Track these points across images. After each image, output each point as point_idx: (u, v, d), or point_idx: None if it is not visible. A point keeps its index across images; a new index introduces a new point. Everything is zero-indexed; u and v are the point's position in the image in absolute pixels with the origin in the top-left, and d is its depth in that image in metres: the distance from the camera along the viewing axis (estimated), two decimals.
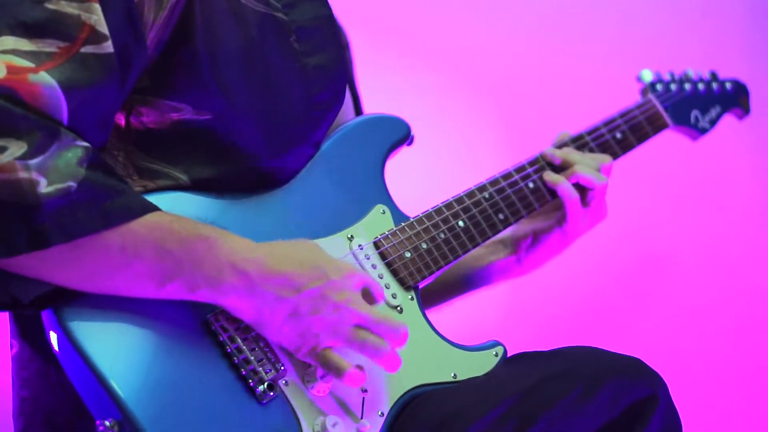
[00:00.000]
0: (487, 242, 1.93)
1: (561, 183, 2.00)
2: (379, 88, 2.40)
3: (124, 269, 1.50)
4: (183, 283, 1.52)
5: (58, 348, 1.53)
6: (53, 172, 1.43)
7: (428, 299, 2.00)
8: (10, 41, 1.46)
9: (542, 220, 2.08)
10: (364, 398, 1.66)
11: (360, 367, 1.60)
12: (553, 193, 2.02)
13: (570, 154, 2.05)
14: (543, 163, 2.04)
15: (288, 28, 1.73)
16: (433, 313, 1.83)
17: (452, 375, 1.76)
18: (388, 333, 1.61)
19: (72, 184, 1.44)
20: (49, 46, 1.48)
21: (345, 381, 1.59)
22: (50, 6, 1.49)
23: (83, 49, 1.50)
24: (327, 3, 1.81)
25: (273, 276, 1.55)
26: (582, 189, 2.03)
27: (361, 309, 1.60)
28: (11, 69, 1.44)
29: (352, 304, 1.59)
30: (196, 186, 1.67)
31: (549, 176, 2.02)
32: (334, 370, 1.59)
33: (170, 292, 1.53)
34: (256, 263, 1.55)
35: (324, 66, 1.75)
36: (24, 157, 1.41)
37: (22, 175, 1.41)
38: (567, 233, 2.05)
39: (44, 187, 1.42)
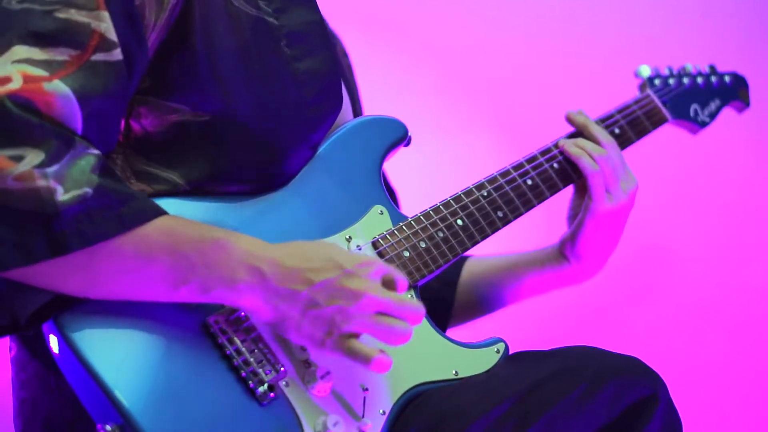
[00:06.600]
0: (530, 263, 1.95)
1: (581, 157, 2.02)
2: (376, 88, 2.40)
3: (138, 273, 1.51)
4: (197, 285, 1.53)
5: (58, 352, 1.53)
6: (69, 179, 1.44)
7: (463, 315, 2.08)
8: (23, 51, 1.47)
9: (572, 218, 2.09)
10: (365, 397, 1.67)
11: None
12: (551, 188, 2.02)
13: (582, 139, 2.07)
14: (541, 160, 2.04)
15: (278, 33, 1.73)
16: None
17: (453, 372, 1.76)
18: (411, 315, 1.62)
19: (88, 190, 1.45)
20: (61, 55, 1.48)
21: (373, 367, 1.58)
22: (60, 15, 1.50)
23: (94, 57, 1.51)
24: (317, 9, 1.81)
25: (286, 271, 1.56)
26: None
27: (382, 295, 1.59)
28: (27, 78, 1.45)
29: (371, 290, 1.59)
30: (193, 190, 1.67)
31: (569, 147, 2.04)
32: (362, 358, 1.58)
33: (183, 295, 1.53)
34: (269, 261, 1.56)
35: (315, 70, 1.75)
36: (41, 166, 1.42)
37: (40, 183, 1.42)
38: (595, 216, 2.03)
39: (61, 195, 1.43)
